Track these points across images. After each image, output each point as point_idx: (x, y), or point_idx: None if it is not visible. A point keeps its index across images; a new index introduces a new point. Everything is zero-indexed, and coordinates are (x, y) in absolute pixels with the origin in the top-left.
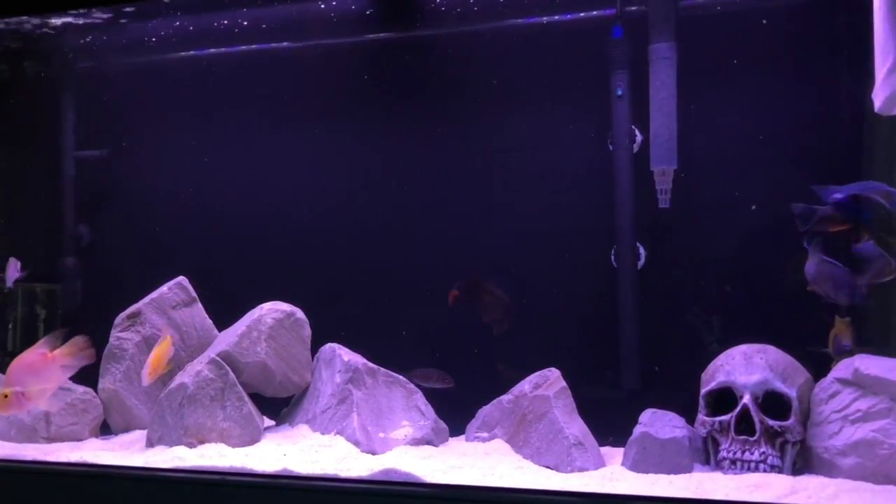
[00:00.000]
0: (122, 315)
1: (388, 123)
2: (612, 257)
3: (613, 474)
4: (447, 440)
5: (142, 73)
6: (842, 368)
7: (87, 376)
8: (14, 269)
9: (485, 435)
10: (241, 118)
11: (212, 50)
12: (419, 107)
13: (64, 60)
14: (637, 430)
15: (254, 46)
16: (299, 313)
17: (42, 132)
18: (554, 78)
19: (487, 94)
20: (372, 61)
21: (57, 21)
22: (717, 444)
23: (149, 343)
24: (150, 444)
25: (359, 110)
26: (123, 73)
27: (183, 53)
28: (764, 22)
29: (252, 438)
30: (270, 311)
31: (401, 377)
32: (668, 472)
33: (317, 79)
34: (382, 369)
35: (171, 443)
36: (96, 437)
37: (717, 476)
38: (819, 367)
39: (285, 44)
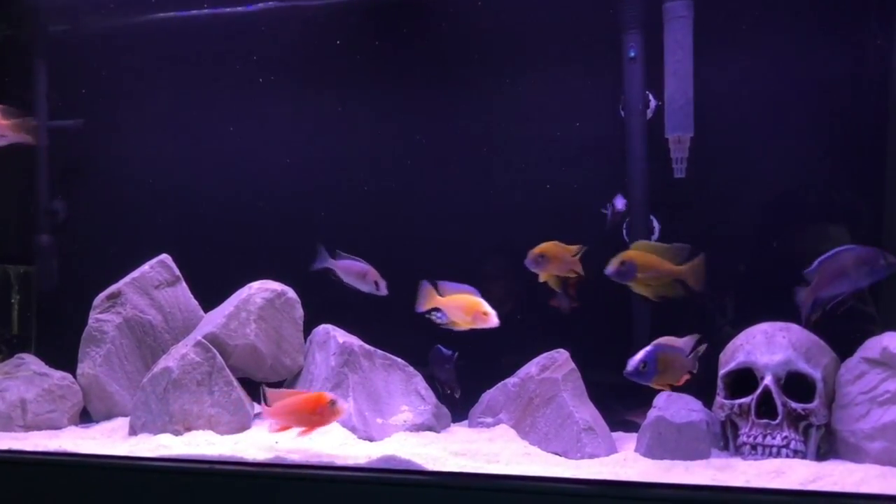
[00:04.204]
0: (102, 295)
1: (384, 91)
2: (625, 231)
3: (626, 461)
4: (449, 426)
5: (120, 37)
6: (870, 347)
7: (65, 361)
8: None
9: (489, 420)
10: (229, 86)
11: (195, 11)
12: (416, 72)
13: (35, 22)
14: (651, 414)
15: (240, 8)
16: (291, 293)
17: (12, 100)
18: (561, 39)
19: (490, 56)
20: (368, 24)
21: None
22: (736, 428)
23: (130, 325)
24: (134, 431)
25: (353, 77)
26: (100, 36)
27: (165, 15)
28: None
29: (242, 425)
30: (260, 290)
31: (399, 360)
32: (685, 459)
33: (309, 44)
34: (380, 351)
35: (156, 430)
36: (76, 424)
37: (737, 462)
38: (845, 346)
39: (272, 4)
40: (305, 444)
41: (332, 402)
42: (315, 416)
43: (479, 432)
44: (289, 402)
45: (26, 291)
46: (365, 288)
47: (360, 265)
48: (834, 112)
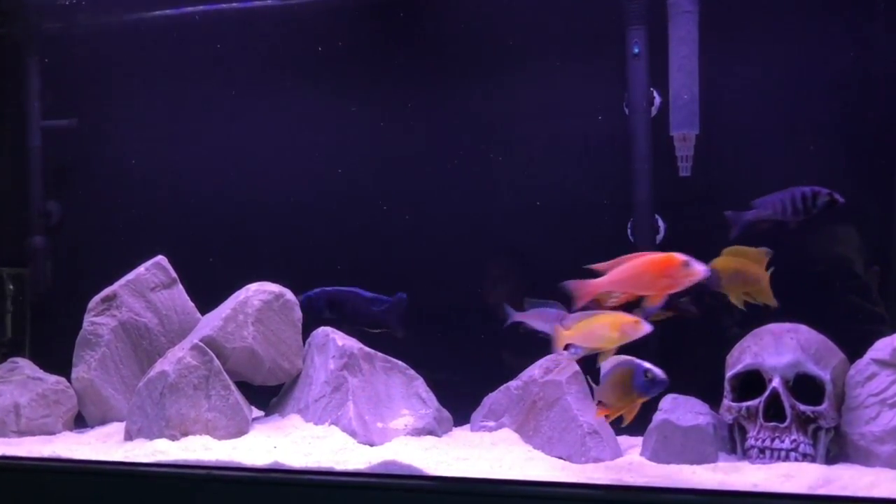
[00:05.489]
0: (97, 298)
1: (380, 89)
2: (629, 231)
3: (632, 465)
4: (451, 430)
5: (115, 34)
6: (879, 349)
7: (59, 365)
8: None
9: (491, 424)
10: (224, 84)
11: (190, 8)
12: (414, 69)
13: (28, 19)
14: (657, 417)
15: (235, 4)
16: (289, 294)
17: (4, 99)
18: (564, 35)
19: (490, 53)
20: (364, 20)
21: None
22: (744, 431)
23: (126, 328)
24: (129, 436)
25: (348, 75)
26: (94, 33)
27: (160, 12)
28: None
29: (239, 430)
30: (257, 292)
31: (399, 363)
32: (691, 462)
33: (306, 41)
34: (380, 354)
35: (152, 435)
36: (70, 430)
37: (745, 466)
38: (855, 346)
39: (270, 1)
40: (305, 448)
41: (686, 263)
42: (665, 279)
43: (481, 436)
44: (629, 267)
45: (20, 294)
46: None
47: (554, 311)
48: (842, 110)
